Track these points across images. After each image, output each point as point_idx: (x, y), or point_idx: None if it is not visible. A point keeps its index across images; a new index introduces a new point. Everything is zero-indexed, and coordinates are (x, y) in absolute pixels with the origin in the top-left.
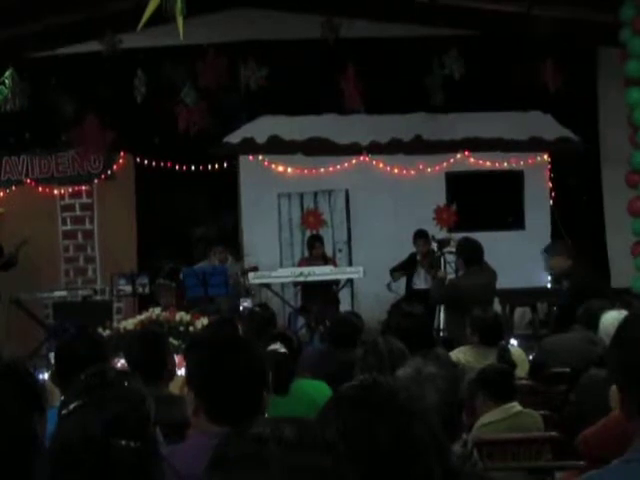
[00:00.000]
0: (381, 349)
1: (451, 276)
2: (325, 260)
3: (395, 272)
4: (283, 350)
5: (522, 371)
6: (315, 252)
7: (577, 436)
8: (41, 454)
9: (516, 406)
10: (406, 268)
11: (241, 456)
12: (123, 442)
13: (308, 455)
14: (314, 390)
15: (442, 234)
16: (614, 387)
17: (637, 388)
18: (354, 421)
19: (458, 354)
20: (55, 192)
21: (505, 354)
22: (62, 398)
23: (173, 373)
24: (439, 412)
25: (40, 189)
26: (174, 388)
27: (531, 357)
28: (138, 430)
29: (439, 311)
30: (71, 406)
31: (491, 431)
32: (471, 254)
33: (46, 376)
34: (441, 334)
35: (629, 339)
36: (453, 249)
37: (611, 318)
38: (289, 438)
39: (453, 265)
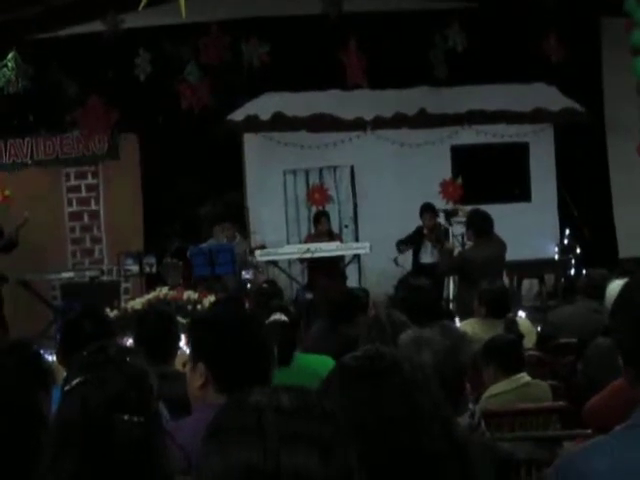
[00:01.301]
0: (383, 322)
1: (458, 248)
2: (331, 236)
3: (402, 244)
4: (284, 319)
5: (530, 342)
6: (321, 228)
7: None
8: (47, 431)
9: (525, 377)
10: (413, 242)
11: (238, 425)
12: (126, 417)
13: (305, 423)
14: (318, 364)
15: (449, 207)
16: None
17: (637, 356)
18: (357, 391)
19: (465, 326)
20: (61, 173)
21: (512, 326)
22: (65, 374)
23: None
24: (437, 374)
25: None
26: (178, 365)
27: (539, 328)
28: (141, 405)
29: (448, 283)
30: (73, 382)
31: (500, 401)
32: (481, 225)
33: (54, 357)
34: (450, 305)
35: (630, 304)
36: (461, 219)
37: (617, 287)
38: (286, 406)
39: (460, 238)
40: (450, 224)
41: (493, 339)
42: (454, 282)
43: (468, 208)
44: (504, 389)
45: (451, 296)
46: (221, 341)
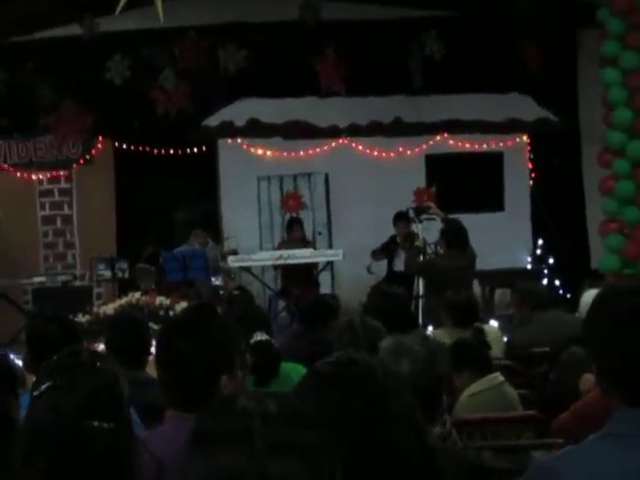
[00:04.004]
0: (356, 328)
1: (430, 254)
2: (304, 243)
3: (377, 253)
4: (266, 337)
5: (498, 351)
6: (294, 235)
7: (558, 414)
8: (16, 436)
9: (499, 376)
10: (387, 250)
11: (224, 430)
12: (96, 423)
13: (292, 430)
14: (293, 372)
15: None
16: (586, 375)
17: (612, 364)
18: (329, 397)
19: (434, 337)
20: (33, 177)
21: (480, 335)
22: (34, 379)
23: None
24: (415, 384)
25: (18, 174)
26: (150, 371)
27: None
28: (112, 411)
29: (417, 282)
30: (43, 387)
31: (480, 400)
32: (454, 237)
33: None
34: (420, 302)
35: (603, 314)
36: (432, 216)
37: (591, 297)
38: (274, 413)
39: (432, 246)
40: (420, 221)
41: (459, 344)
42: (423, 282)
43: (442, 215)
44: (482, 388)
45: (421, 293)
46: (162, 355)
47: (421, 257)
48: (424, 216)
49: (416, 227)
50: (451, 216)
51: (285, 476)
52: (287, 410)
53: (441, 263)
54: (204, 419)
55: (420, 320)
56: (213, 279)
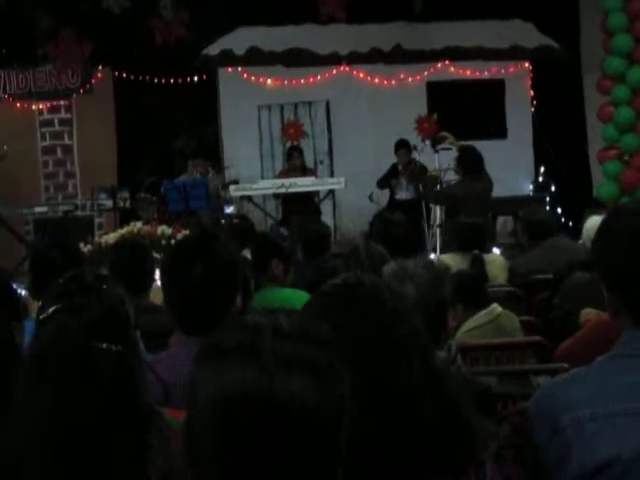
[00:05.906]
0: (361, 253)
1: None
2: (305, 171)
3: (383, 181)
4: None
5: (502, 278)
6: (292, 163)
7: (562, 340)
8: (20, 362)
9: (497, 307)
10: (391, 177)
11: (234, 344)
12: (104, 345)
13: (302, 347)
14: (294, 298)
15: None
16: (586, 309)
17: (621, 283)
18: (336, 318)
19: (440, 260)
20: (33, 107)
21: (476, 262)
22: (39, 304)
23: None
24: (419, 308)
25: (18, 105)
26: (157, 300)
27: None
28: (118, 333)
29: (435, 211)
30: (49, 310)
31: (478, 334)
32: (470, 164)
33: (26, 292)
34: (438, 229)
35: (612, 232)
36: (448, 145)
37: (595, 222)
38: (285, 328)
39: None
40: (436, 151)
41: (455, 278)
42: (441, 210)
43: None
44: (481, 322)
45: (437, 222)
46: (172, 278)
47: (437, 187)
48: (440, 146)
49: (418, 155)
50: (470, 143)
51: (293, 394)
52: (299, 326)
53: (459, 190)
54: (213, 335)
55: (438, 249)
56: (225, 207)
